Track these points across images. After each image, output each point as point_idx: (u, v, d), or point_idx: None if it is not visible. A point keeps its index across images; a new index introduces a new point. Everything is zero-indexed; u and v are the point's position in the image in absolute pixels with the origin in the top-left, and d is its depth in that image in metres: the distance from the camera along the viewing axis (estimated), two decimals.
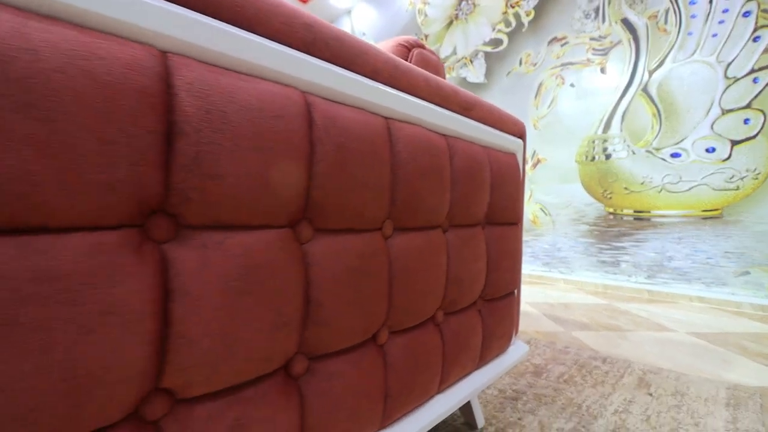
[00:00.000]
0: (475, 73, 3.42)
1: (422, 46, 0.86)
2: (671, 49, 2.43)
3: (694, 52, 2.35)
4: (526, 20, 3.08)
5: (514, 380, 1.16)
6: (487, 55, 3.34)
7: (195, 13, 0.31)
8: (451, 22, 3.61)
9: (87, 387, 0.25)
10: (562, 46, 2.89)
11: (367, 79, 0.46)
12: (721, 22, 2.26)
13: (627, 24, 2.59)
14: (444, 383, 0.60)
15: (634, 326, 1.75)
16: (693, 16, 2.35)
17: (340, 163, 0.41)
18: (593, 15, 2.74)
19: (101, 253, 0.25)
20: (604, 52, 2.68)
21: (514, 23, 3.15)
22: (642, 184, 2.47)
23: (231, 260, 0.32)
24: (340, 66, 0.44)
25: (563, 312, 2.00)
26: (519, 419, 0.95)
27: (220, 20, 0.34)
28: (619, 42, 2.62)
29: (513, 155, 0.78)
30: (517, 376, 1.20)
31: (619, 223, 2.56)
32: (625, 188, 2.54)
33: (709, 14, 2.29)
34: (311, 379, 0.40)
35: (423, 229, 0.54)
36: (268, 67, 0.35)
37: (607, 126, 2.63)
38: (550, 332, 1.65)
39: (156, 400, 0.30)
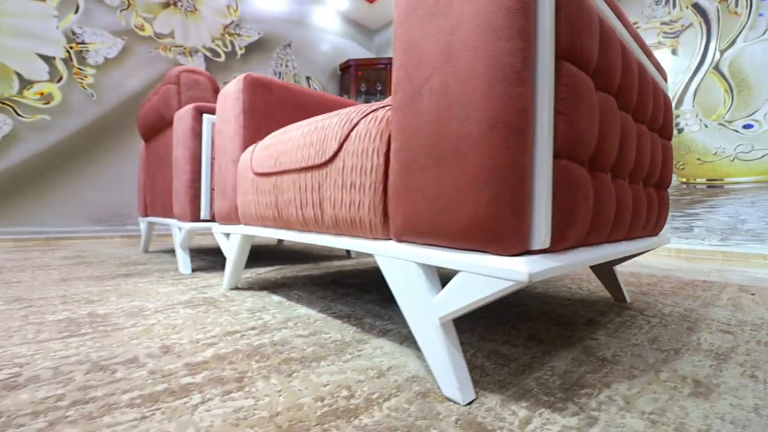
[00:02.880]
0: None
1: None
2: (742, 30, 2.63)
3: (766, 31, 2.55)
4: None
5: (635, 287, 1.46)
6: None
7: None
8: None
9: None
10: None
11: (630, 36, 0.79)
12: None
13: (698, 8, 2.80)
14: (645, 230, 0.92)
15: (714, 275, 2.00)
16: None
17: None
18: (663, 1, 2.97)
19: None
20: (675, 35, 2.90)
21: None
22: (714, 154, 2.68)
23: None
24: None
25: (645, 269, 2.25)
26: (655, 300, 1.24)
27: None
28: (690, 25, 2.83)
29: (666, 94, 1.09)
30: (635, 285, 1.49)
31: (691, 192, 2.77)
32: (698, 159, 2.75)
33: None
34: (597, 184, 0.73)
35: (639, 122, 0.86)
36: None
37: (680, 102, 2.85)
38: (643, 275, 1.92)
39: None
